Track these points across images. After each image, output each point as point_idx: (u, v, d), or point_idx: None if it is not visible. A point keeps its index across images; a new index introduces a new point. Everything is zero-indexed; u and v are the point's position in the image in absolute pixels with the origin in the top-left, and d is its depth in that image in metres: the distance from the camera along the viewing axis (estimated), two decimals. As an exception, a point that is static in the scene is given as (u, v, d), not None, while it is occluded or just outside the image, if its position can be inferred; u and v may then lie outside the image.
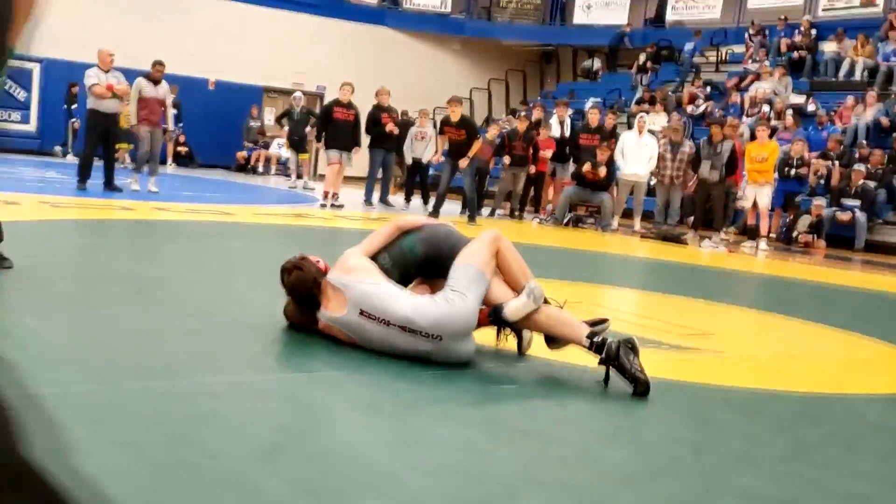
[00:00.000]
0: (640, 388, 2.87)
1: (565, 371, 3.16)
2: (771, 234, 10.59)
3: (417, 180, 11.81)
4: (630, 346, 2.92)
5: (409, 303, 2.97)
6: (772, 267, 8.85)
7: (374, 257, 3.25)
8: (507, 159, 10.92)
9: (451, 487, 1.99)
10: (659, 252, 9.05)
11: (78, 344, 2.87)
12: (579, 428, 2.60)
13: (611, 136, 11.09)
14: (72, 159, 12.43)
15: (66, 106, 14.56)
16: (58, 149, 14.51)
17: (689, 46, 16.36)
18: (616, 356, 2.89)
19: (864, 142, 11.92)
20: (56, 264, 4.42)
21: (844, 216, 10.81)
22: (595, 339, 2.96)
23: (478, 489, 2.00)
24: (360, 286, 3.02)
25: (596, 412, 2.78)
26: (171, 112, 9.72)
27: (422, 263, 3.32)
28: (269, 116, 16.93)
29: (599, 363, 2.94)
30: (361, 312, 2.98)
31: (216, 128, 16.15)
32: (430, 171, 12.05)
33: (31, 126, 14.98)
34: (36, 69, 14.90)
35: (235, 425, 2.24)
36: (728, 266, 8.26)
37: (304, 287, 3.16)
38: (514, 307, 3.05)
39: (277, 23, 17.29)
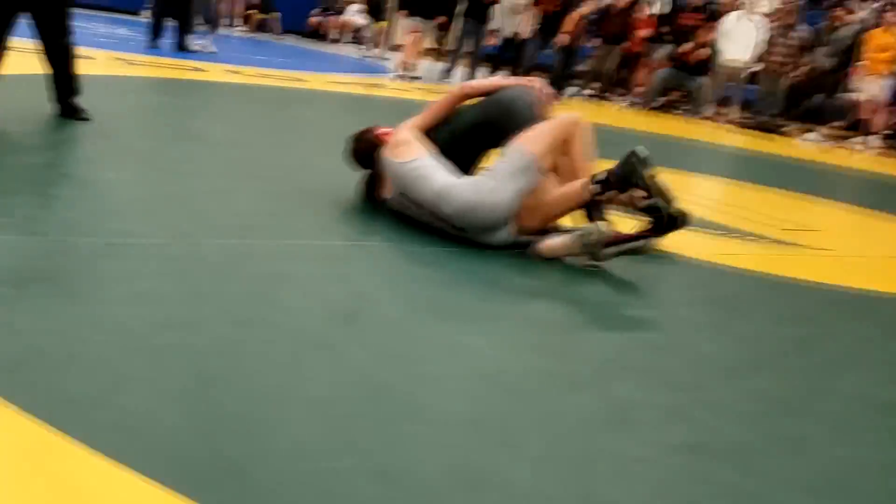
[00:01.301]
0: (661, 196, 2.59)
1: (655, 258, 2.97)
2: (886, 131, 9.82)
3: (509, 56, 11.19)
4: (633, 158, 2.59)
5: (440, 184, 2.66)
6: (884, 165, 8.23)
7: (435, 131, 2.90)
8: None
9: (536, 365, 1.88)
10: (757, 143, 8.54)
11: (155, 198, 2.84)
12: (671, 317, 2.44)
13: (717, 17, 10.32)
14: (147, 17, 12.32)
15: None
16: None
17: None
18: (622, 178, 2.59)
19: None
20: (131, 120, 4.40)
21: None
22: (600, 177, 2.64)
23: (565, 369, 1.89)
24: (397, 166, 2.77)
25: (689, 302, 2.61)
26: None
27: (474, 133, 2.87)
28: (347, -20, 16.30)
29: (605, 191, 2.63)
30: (401, 194, 2.78)
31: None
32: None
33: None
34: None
35: (313, 288, 2.17)
36: (834, 162, 7.74)
37: (361, 160, 3.02)
38: (549, 246, 2.65)
39: None
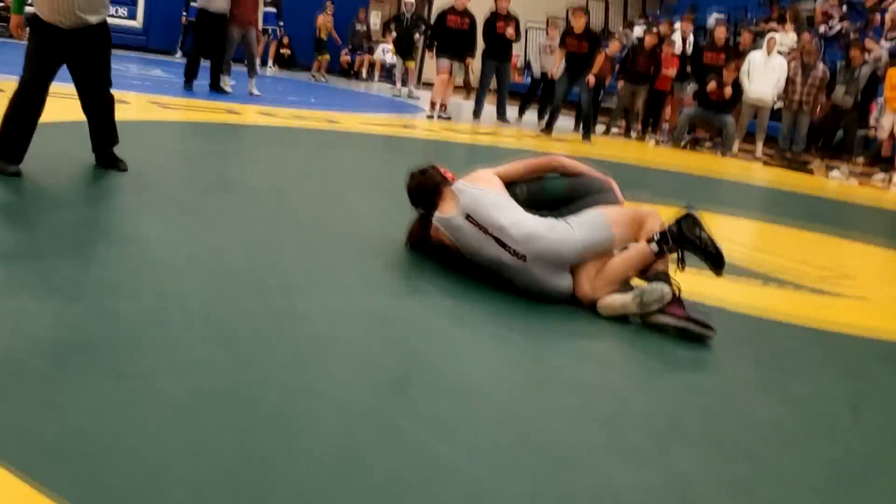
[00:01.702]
0: (713, 262, 2.71)
1: (700, 311, 2.93)
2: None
3: (538, 94, 11.23)
4: (690, 219, 2.71)
5: (517, 215, 2.82)
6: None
7: (510, 185, 3.08)
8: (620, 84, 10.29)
9: (595, 436, 1.85)
10: (783, 180, 8.49)
11: (197, 255, 2.83)
12: (722, 377, 2.40)
13: (738, 56, 10.36)
14: (181, 59, 12.44)
15: (185, 2, 14.19)
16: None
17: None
18: (679, 235, 2.69)
19: None
20: (168, 168, 4.41)
21: None
22: (655, 238, 2.72)
23: (624, 440, 1.84)
24: (473, 191, 2.93)
25: (738, 361, 2.56)
26: (262, 11, 9.37)
27: (561, 202, 3.08)
28: (376, 20, 16.52)
29: (669, 251, 2.72)
30: (468, 217, 2.88)
31: (321, 30, 15.78)
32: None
33: (137, 22, 14.78)
34: (144, -37, 14.68)
35: (361, 352, 2.15)
36: (859, 199, 7.68)
37: (424, 191, 3.10)
38: (608, 303, 2.70)
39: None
